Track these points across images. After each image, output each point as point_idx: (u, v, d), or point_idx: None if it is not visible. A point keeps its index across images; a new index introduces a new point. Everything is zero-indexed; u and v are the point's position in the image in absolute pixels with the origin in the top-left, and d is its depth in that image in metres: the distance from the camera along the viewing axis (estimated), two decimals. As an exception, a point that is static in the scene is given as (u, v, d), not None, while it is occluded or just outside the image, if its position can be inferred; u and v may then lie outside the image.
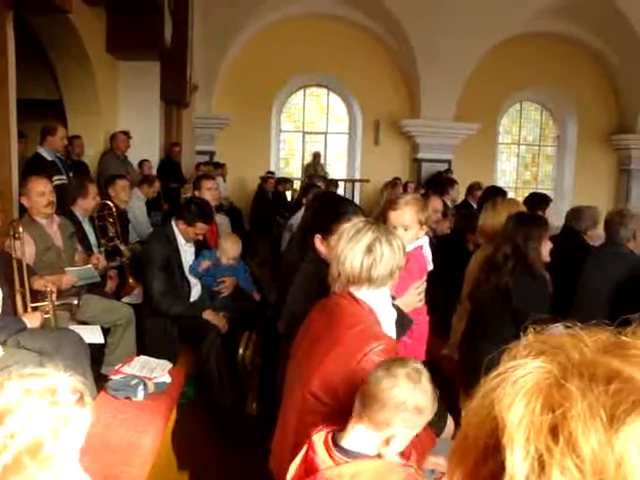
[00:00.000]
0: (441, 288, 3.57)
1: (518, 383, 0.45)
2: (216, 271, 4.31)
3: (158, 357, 3.35)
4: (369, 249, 1.87)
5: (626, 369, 0.42)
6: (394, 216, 2.48)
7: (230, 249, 4.37)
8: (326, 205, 2.80)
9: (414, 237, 2.49)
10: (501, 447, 0.44)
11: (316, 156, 11.80)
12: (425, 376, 1.53)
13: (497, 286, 2.82)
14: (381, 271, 1.87)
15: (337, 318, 1.92)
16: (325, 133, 12.85)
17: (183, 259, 4.14)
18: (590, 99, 12.44)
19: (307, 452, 1.66)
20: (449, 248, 4.06)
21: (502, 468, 0.43)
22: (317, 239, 2.52)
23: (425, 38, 10.78)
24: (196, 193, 5.14)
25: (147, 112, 7.43)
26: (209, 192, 5.06)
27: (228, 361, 3.94)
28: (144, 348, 3.78)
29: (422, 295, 2.45)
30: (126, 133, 6.89)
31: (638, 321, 0.52)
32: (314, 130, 12.86)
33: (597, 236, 4.05)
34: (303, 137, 12.85)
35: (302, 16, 11.41)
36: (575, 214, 4.16)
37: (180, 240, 4.10)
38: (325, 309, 2.05)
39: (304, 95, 12.74)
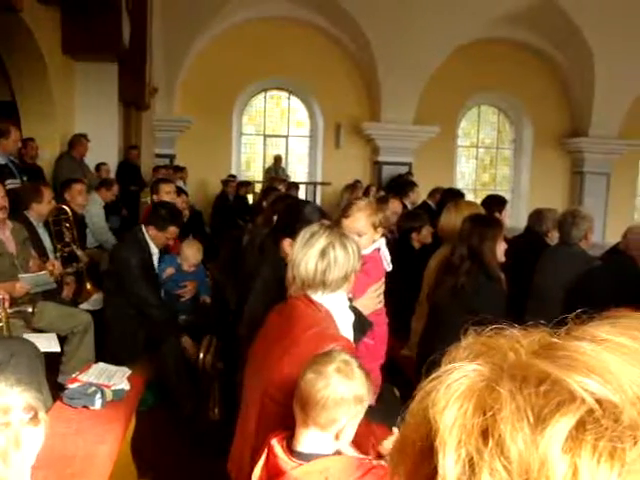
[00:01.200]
0: (398, 288, 3.62)
1: (452, 387, 0.45)
2: (178, 277, 4.29)
3: (121, 363, 3.29)
4: (323, 253, 1.89)
5: (554, 371, 0.43)
6: (347, 223, 2.49)
7: (192, 256, 4.35)
8: (293, 209, 2.81)
9: (370, 241, 2.50)
10: (434, 451, 0.44)
11: (277, 159, 11.79)
12: (354, 364, 1.53)
13: (453, 287, 2.86)
14: (335, 275, 1.89)
15: (293, 321, 1.93)
16: (286, 136, 12.85)
17: (156, 266, 4.11)
18: (544, 104, 12.75)
19: (268, 456, 1.66)
20: (399, 248, 4.11)
21: (436, 471, 0.44)
22: (286, 242, 2.53)
23: (385, 42, 10.89)
24: (154, 197, 5.07)
25: (105, 114, 7.29)
26: (168, 196, 5.00)
27: (188, 366, 3.90)
28: (103, 355, 3.72)
29: (381, 297, 2.47)
30: (84, 136, 6.75)
31: (573, 321, 0.52)
32: (275, 133, 12.85)
33: (557, 238, 4.16)
34: (264, 140, 12.82)
35: (263, 19, 11.41)
36: (537, 216, 4.27)
37: (152, 247, 4.05)
38: (282, 312, 2.06)
39: (265, 98, 12.72)
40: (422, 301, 3.24)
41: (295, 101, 12.72)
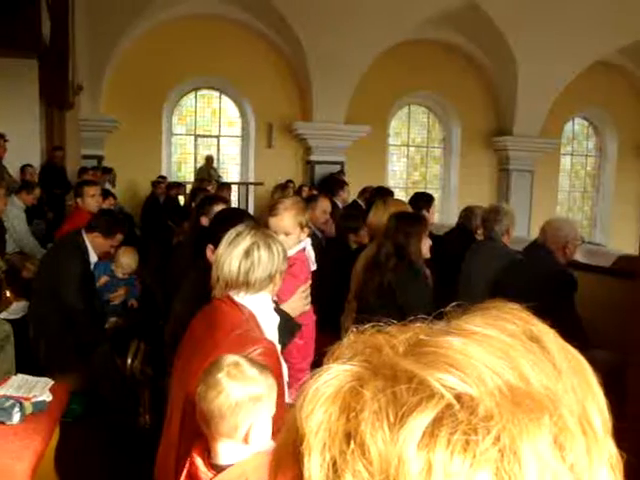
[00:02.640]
0: (330, 288, 3.63)
1: (320, 390, 0.45)
2: (111, 284, 4.20)
3: (50, 372, 3.15)
4: (247, 253, 1.87)
5: (416, 369, 0.43)
6: (274, 222, 2.49)
7: (128, 265, 4.26)
8: (227, 220, 2.78)
9: (296, 240, 2.51)
10: (300, 455, 0.44)
11: (209, 159, 11.62)
12: (245, 364, 1.50)
13: (380, 284, 2.90)
14: (259, 275, 1.88)
15: (216, 323, 1.91)
16: (218, 136, 12.69)
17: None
18: (472, 104, 13.14)
19: (190, 468, 1.63)
20: (336, 248, 4.14)
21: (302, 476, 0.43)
22: (209, 249, 2.49)
23: (316, 42, 10.94)
24: (78, 201, 4.90)
25: (25, 113, 7.00)
26: (92, 199, 4.84)
27: (118, 373, 3.80)
28: (29, 365, 3.56)
29: (308, 298, 2.47)
30: (2, 136, 6.45)
31: (448, 314, 0.53)
32: (207, 133, 12.67)
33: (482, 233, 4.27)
34: (195, 140, 12.62)
35: (193, 17, 11.21)
36: (466, 213, 4.38)
37: (92, 254, 3.92)
38: (206, 315, 2.03)
39: (196, 97, 12.52)
40: (351, 299, 3.27)
41: (226, 101, 12.58)
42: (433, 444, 0.39)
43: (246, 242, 1.90)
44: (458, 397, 0.41)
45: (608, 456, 0.45)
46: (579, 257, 4.50)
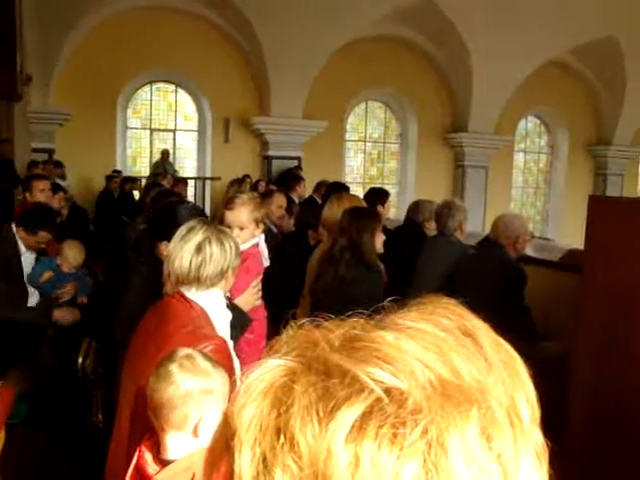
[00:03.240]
0: (287, 283, 3.63)
1: (252, 385, 0.45)
2: (57, 279, 4.06)
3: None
4: (198, 248, 1.86)
5: (347, 364, 0.43)
6: (230, 216, 2.50)
7: (73, 258, 4.11)
8: (167, 211, 2.75)
9: (251, 236, 2.53)
10: (231, 450, 0.44)
11: (165, 154, 11.44)
12: (199, 357, 1.51)
13: (334, 278, 2.92)
14: (210, 271, 1.87)
15: (167, 319, 1.89)
16: (174, 130, 12.50)
17: (24, 267, 3.84)
18: (428, 100, 13.29)
19: (138, 462, 1.61)
20: (294, 244, 4.13)
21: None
22: (163, 246, 2.46)
23: (273, 37, 10.87)
24: (27, 195, 4.76)
25: (-32, 105, 6.74)
26: (42, 194, 4.70)
27: (67, 371, 3.71)
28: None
29: (259, 293, 2.48)
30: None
31: (386, 309, 0.53)
32: (162, 127, 12.46)
33: (435, 228, 4.32)
34: (151, 134, 12.39)
35: (149, 8, 10.98)
36: (414, 207, 4.41)
37: (21, 246, 3.79)
38: (157, 311, 2.01)
39: (151, 91, 12.29)
40: (305, 293, 3.28)
41: (183, 94, 12.40)
42: (361, 437, 0.40)
43: (198, 237, 1.88)
44: (388, 391, 0.42)
45: (534, 445, 0.46)
46: (530, 251, 4.61)
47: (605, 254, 2.33)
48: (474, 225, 10.68)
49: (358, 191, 10.42)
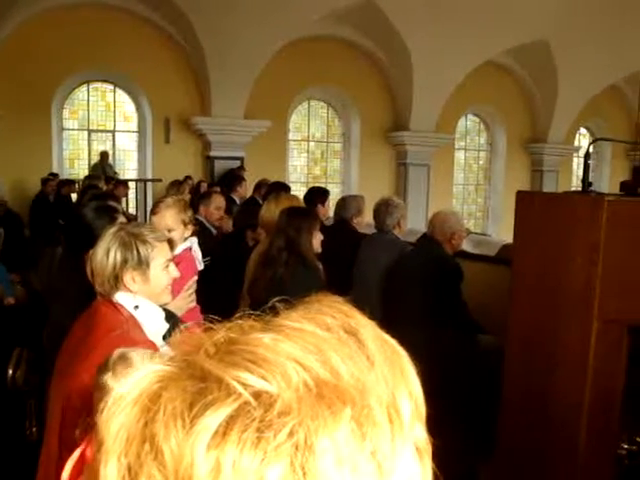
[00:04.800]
0: (226, 284, 3.60)
1: (124, 392, 0.44)
2: None
3: None
4: (115, 249, 1.83)
5: (216, 369, 0.43)
6: (155, 220, 2.51)
7: None
8: (76, 221, 2.68)
9: (180, 237, 2.52)
10: (97, 463, 0.42)
11: (104, 155, 11.15)
12: (134, 356, 1.46)
13: (272, 278, 2.91)
14: (129, 273, 1.84)
15: (95, 324, 1.85)
16: (113, 131, 12.20)
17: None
18: (370, 99, 13.43)
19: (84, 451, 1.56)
20: (233, 245, 4.10)
21: None
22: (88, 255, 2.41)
23: (214, 36, 10.75)
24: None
25: None
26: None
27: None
28: None
29: (193, 296, 2.46)
30: None
31: (269, 310, 0.53)
32: (101, 128, 12.14)
33: (365, 223, 4.35)
34: (89, 135, 12.05)
35: (85, 4, 10.66)
36: (341, 204, 4.43)
37: None
38: (85, 318, 1.97)
39: (88, 91, 11.95)
40: (244, 295, 3.25)
41: (121, 94, 12.11)
42: (223, 443, 0.39)
43: (119, 240, 1.85)
44: (257, 395, 0.41)
45: (415, 441, 0.47)
46: (467, 247, 4.72)
47: (532, 248, 2.40)
48: (417, 222, 10.87)
49: (302, 191, 10.43)
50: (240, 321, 0.51)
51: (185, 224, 2.55)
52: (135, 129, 12.25)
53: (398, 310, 3.61)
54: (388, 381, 0.46)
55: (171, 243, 1.99)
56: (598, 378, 2.21)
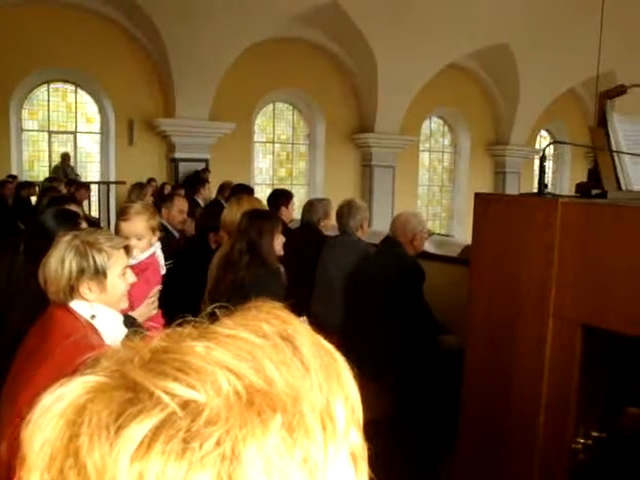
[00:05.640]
0: (189, 288, 3.56)
1: (50, 405, 0.43)
2: None
3: None
4: (70, 258, 1.80)
5: (143, 379, 0.42)
6: (125, 227, 2.45)
7: None
8: (35, 229, 2.63)
9: (148, 244, 2.47)
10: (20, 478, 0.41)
11: (65, 157, 10.93)
12: None
13: (233, 281, 2.89)
14: (87, 281, 1.81)
15: (50, 331, 1.81)
16: (74, 132, 11.98)
17: None
18: (335, 101, 13.48)
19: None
20: (195, 248, 4.06)
21: None
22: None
23: (178, 36, 10.64)
24: None
25: None
26: None
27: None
28: None
29: (156, 303, 2.43)
30: None
31: (206, 316, 0.52)
32: (62, 129, 11.91)
33: (332, 226, 4.36)
34: (49, 137, 11.82)
35: (46, 2, 10.44)
36: (308, 207, 4.42)
37: None
38: (40, 325, 1.92)
39: (48, 91, 11.71)
40: (206, 298, 3.23)
41: (83, 95, 11.90)
42: (147, 455, 0.39)
43: (72, 247, 1.82)
44: (185, 404, 0.41)
45: (350, 447, 0.47)
46: (430, 248, 4.77)
47: (490, 249, 2.44)
48: (382, 223, 10.91)
49: (268, 193, 10.40)
50: (177, 328, 0.50)
51: (154, 230, 2.51)
52: (98, 130, 12.05)
53: (360, 311, 3.63)
54: (323, 387, 0.46)
55: (128, 249, 1.96)
56: (554, 374, 2.26)
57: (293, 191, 5.36)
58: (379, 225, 9.92)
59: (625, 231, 1.96)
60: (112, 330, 1.94)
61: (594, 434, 2.37)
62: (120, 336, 1.99)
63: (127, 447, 0.39)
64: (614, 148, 2.46)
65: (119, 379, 0.43)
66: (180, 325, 0.51)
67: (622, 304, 1.97)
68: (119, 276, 1.89)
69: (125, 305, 2.00)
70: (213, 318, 0.52)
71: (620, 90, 2.56)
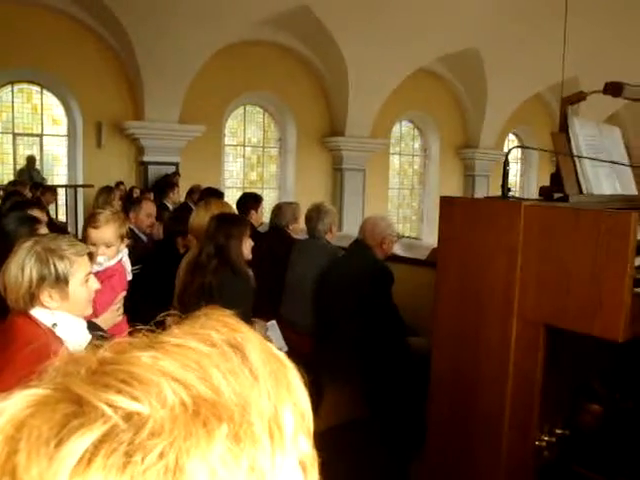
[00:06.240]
0: (156, 292, 3.53)
1: None
2: None
3: None
4: (31, 266, 1.77)
5: (85, 392, 0.41)
6: (95, 234, 2.42)
7: None
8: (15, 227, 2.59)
9: (116, 252, 2.45)
10: None
11: (30, 160, 10.73)
12: None
13: (202, 286, 2.88)
14: (47, 288, 1.79)
15: (11, 338, 1.79)
16: (40, 135, 11.76)
17: None
18: (306, 104, 13.49)
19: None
20: (163, 252, 4.03)
21: None
22: None
23: (147, 38, 10.53)
24: None
25: None
26: None
27: None
28: None
29: (121, 309, 2.41)
30: None
31: (155, 325, 0.52)
32: (27, 132, 11.67)
33: (301, 230, 4.37)
34: (14, 139, 11.58)
35: (10, 1, 10.22)
36: (276, 211, 4.43)
37: None
38: (1, 331, 1.89)
39: (12, 92, 11.47)
40: (175, 303, 3.20)
41: (50, 97, 11.69)
42: (88, 470, 0.37)
43: (30, 254, 1.79)
44: (128, 417, 0.40)
45: (299, 455, 0.46)
46: (399, 251, 4.81)
47: (456, 251, 2.47)
48: (353, 227, 10.97)
49: (238, 196, 10.36)
50: (127, 338, 0.49)
51: (122, 238, 2.49)
52: (65, 133, 11.85)
53: (330, 314, 3.65)
54: (271, 395, 0.46)
55: (91, 256, 1.94)
56: (518, 373, 2.30)
57: (264, 195, 5.35)
58: (349, 228, 9.96)
59: (583, 234, 2.02)
60: (75, 337, 1.91)
61: (558, 431, 2.42)
62: (84, 343, 1.97)
63: (66, 462, 0.37)
64: (575, 153, 2.52)
65: (63, 392, 0.42)
66: (131, 334, 0.50)
67: (581, 305, 2.02)
68: (82, 283, 1.86)
69: (89, 312, 1.97)
70: (163, 326, 0.52)
71: (580, 96, 2.63)
